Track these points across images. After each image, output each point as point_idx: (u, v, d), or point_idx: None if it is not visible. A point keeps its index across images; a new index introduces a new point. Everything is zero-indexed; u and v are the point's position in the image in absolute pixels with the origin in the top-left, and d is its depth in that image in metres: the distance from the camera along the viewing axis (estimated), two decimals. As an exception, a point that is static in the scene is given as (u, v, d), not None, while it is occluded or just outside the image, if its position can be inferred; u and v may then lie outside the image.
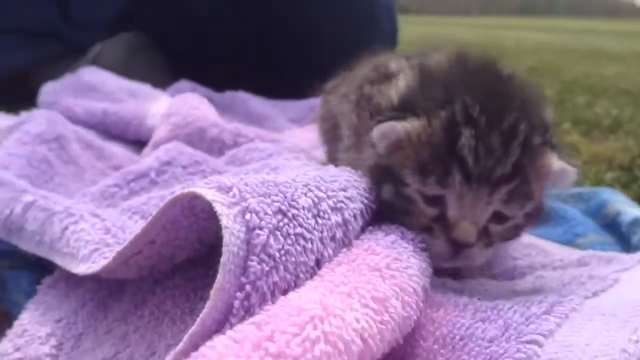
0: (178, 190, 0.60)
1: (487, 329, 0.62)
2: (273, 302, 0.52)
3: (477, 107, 0.69)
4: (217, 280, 0.50)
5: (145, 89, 1.55)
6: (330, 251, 0.62)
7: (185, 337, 0.49)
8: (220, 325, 0.50)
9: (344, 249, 0.64)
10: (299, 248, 0.57)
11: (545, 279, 0.80)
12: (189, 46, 1.87)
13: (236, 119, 1.58)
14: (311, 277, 0.58)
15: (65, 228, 0.77)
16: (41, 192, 0.86)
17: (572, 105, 3.06)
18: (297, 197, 0.61)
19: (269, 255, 0.54)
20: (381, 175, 0.76)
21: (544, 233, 1.06)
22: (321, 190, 0.65)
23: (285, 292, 0.54)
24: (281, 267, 0.54)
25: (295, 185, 0.63)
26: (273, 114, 1.70)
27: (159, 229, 0.64)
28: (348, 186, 0.70)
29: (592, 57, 6.65)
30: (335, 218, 0.64)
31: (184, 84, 1.69)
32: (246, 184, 0.58)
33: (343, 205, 0.66)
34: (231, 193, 0.56)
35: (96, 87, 1.48)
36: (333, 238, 0.63)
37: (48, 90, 1.44)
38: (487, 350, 0.58)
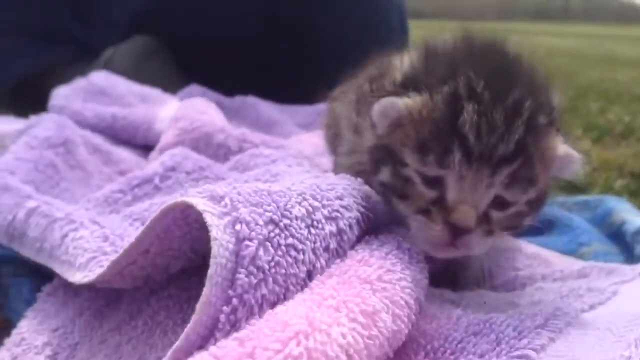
0: (173, 199, 0.59)
1: (478, 343, 0.61)
2: (261, 316, 0.52)
3: (481, 82, 0.66)
4: (203, 294, 0.50)
5: (155, 93, 1.56)
6: (323, 262, 0.61)
7: (169, 353, 0.49)
8: (205, 340, 0.50)
9: (338, 260, 0.64)
10: (289, 259, 0.57)
11: (543, 291, 0.79)
12: (201, 50, 1.87)
13: (245, 124, 1.58)
14: (302, 289, 0.57)
15: (65, 235, 0.77)
16: (45, 198, 0.86)
17: (586, 111, 3.04)
18: (290, 206, 0.60)
19: (258, 268, 0.53)
20: (380, 156, 0.73)
21: (548, 242, 1.05)
22: (316, 199, 0.64)
23: (274, 304, 0.54)
24: (270, 279, 0.54)
25: (290, 194, 0.62)
26: (282, 118, 1.70)
27: (152, 239, 0.63)
28: (345, 194, 0.69)
29: (607, 63, 6.60)
30: (330, 228, 0.63)
31: (194, 88, 1.70)
32: (239, 194, 0.58)
33: (338, 215, 0.65)
34: (223, 203, 0.56)
35: (106, 91, 1.49)
36: (327, 248, 0.62)
37: (58, 94, 1.44)
38: (478, 365, 0.58)
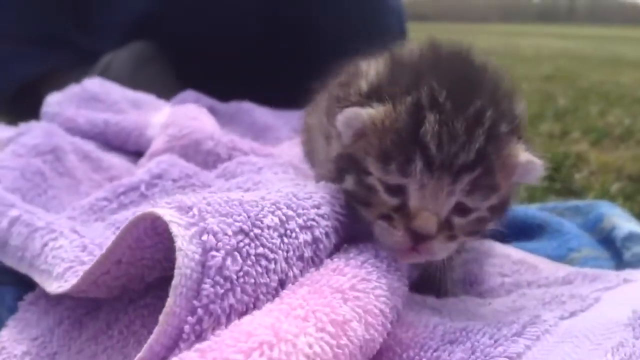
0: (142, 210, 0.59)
1: (454, 351, 0.61)
2: (228, 326, 0.52)
3: (443, 92, 0.67)
4: (167, 304, 0.50)
5: (149, 99, 1.56)
6: (297, 271, 0.61)
7: (132, 363, 0.49)
8: (169, 351, 0.49)
9: (313, 269, 0.63)
10: (259, 269, 0.56)
11: (526, 297, 0.79)
12: (201, 50, 1.87)
13: (240, 129, 1.58)
14: (273, 298, 0.57)
15: (45, 244, 0.77)
16: (27, 207, 0.86)
17: (585, 113, 3.03)
18: (262, 216, 0.60)
19: (225, 278, 0.53)
20: (345, 164, 0.74)
21: (538, 247, 1.05)
22: (291, 209, 0.64)
23: (243, 314, 0.54)
24: (239, 289, 0.54)
25: (263, 204, 0.62)
26: (277, 124, 1.70)
27: (124, 249, 0.63)
28: (323, 203, 0.69)
29: (611, 65, 6.59)
30: (304, 237, 0.63)
31: (189, 94, 1.69)
32: (208, 204, 0.58)
33: (314, 224, 0.65)
34: (190, 213, 0.55)
35: (100, 97, 1.49)
36: (301, 257, 0.62)
37: (51, 101, 1.44)
38: (452, 374, 0.58)
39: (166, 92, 1.66)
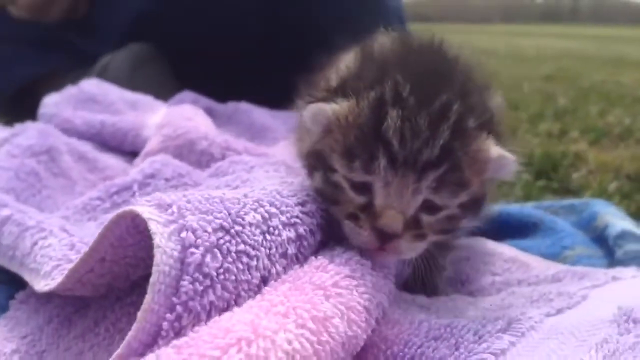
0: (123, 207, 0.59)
1: (438, 347, 0.61)
2: (208, 323, 0.52)
3: (407, 86, 0.66)
4: (145, 301, 0.50)
5: (145, 100, 1.56)
6: (280, 268, 0.61)
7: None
8: (148, 347, 0.49)
9: (297, 266, 0.63)
10: (241, 266, 0.56)
11: (515, 295, 0.78)
12: (200, 51, 1.87)
13: (238, 130, 1.58)
14: (255, 295, 0.57)
15: (35, 243, 0.77)
16: (19, 206, 0.86)
17: (585, 113, 3.02)
18: (243, 213, 0.60)
19: (205, 275, 0.53)
20: (313, 161, 0.73)
21: (531, 245, 1.05)
22: (274, 206, 0.64)
23: (224, 311, 0.54)
24: (219, 286, 0.54)
25: (245, 201, 0.62)
26: (275, 124, 1.69)
27: (107, 247, 0.63)
28: (308, 201, 0.69)
29: (614, 65, 6.57)
30: (288, 234, 0.63)
31: (186, 94, 1.69)
32: (188, 202, 0.58)
33: (297, 221, 0.65)
34: (170, 211, 0.56)
35: (97, 98, 1.49)
36: (284, 254, 0.62)
37: (49, 102, 1.45)
38: (436, 370, 0.58)
39: (164, 93, 1.66)
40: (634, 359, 0.55)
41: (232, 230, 0.58)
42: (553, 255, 1.00)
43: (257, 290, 0.58)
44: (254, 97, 1.78)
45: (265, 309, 0.53)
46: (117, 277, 0.69)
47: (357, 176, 0.66)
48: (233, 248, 0.57)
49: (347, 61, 0.77)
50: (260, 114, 1.73)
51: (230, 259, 0.56)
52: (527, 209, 1.19)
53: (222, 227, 0.57)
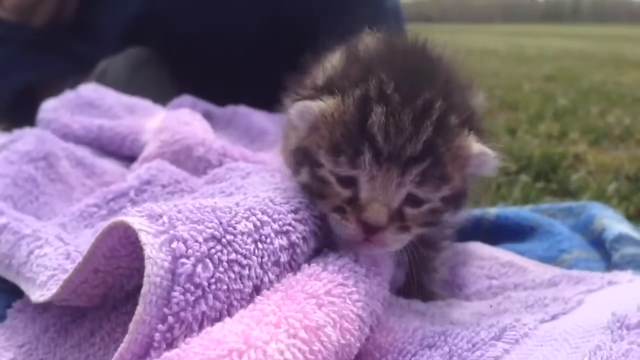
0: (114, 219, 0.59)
1: (432, 356, 0.61)
2: (200, 334, 0.52)
3: (392, 84, 0.68)
4: (136, 312, 0.50)
5: (144, 104, 1.56)
6: (273, 276, 0.61)
7: (102, 371, 0.49)
8: (140, 359, 0.50)
9: (290, 274, 0.63)
10: (232, 275, 0.56)
11: (510, 300, 0.79)
12: (200, 51, 1.87)
13: (237, 134, 1.58)
14: (248, 304, 0.57)
15: (31, 252, 0.77)
16: (15, 214, 0.86)
17: (585, 113, 3.02)
18: (235, 222, 0.60)
19: (196, 285, 0.53)
20: (300, 157, 0.75)
21: (529, 248, 1.05)
22: (266, 214, 0.64)
23: (216, 321, 0.54)
24: (210, 296, 0.54)
25: (236, 210, 0.62)
26: (274, 128, 1.69)
27: (99, 258, 0.63)
28: (300, 208, 0.69)
29: (614, 64, 6.56)
30: (280, 242, 0.63)
31: (185, 98, 1.69)
32: (179, 211, 0.58)
33: (290, 229, 0.66)
34: (160, 221, 0.56)
35: (95, 103, 1.49)
36: (277, 262, 0.62)
37: (47, 107, 1.45)
38: (429, 378, 0.58)
39: (163, 97, 1.65)
40: (626, 365, 0.55)
41: (224, 240, 0.58)
42: (550, 259, 1.00)
43: (250, 299, 0.58)
44: (253, 99, 1.77)
45: (256, 319, 0.53)
46: (112, 287, 0.70)
47: (343, 171, 0.69)
48: (224, 257, 0.57)
49: (333, 60, 0.79)
50: (259, 118, 1.72)
51: (221, 269, 0.56)
52: (525, 212, 1.19)
53: (213, 237, 0.57)
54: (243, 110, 1.73)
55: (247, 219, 0.62)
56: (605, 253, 1.01)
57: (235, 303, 0.56)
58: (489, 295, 0.86)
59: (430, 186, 0.68)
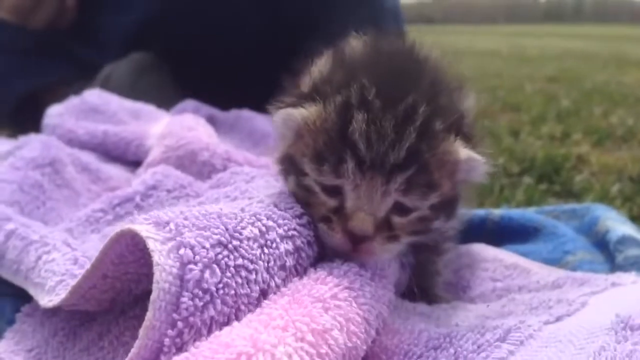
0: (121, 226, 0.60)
1: (437, 357, 0.62)
2: (208, 338, 0.53)
3: (373, 90, 0.66)
4: (146, 318, 0.51)
5: (148, 109, 1.57)
6: (279, 280, 0.62)
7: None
8: (151, 364, 0.50)
9: (296, 278, 0.64)
10: (240, 280, 0.57)
11: (515, 302, 0.79)
12: (200, 51, 1.88)
13: (240, 137, 1.58)
14: (255, 308, 0.58)
15: (39, 258, 0.78)
16: (23, 220, 0.87)
17: (588, 114, 3.02)
18: (241, 228, 0.61)
19: (204, 290, 0.54)
20: (286, 165, 0.74)
21: (533, 249, 1.05)
22: (271, 219, 0.65)
23: (224, 325, 0.55)
24: (219, 301, 0.55)
25: (242, 215, 0.63)
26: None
27: (108, 265, 0.64)
28: (305, 213, 0.70)
29: (616, 64, 6.55)
30: (285, 246, 0.64)
31: (188, 103, 1.70)
32: (185, 218, 0.59)
33: (295, 233, 0.66)
34: (167, 228, 0.56)
35: (99, 108, 1.50)
36: (283, 267, 0.63)
37: (52, 112, 1.46)
38: (435, 380, 0.59)
39: (166, 102, 1.66)
40: (630, 366, 0.56)
41: (230, 245, 0.58)
42: (554, 260, 1.00)
43: (257, 303, 0.59)
44: (253, 100, 1.77)
45: (264, 323, 0.54)
46: (120, 292, 0.70)
47: (327, 180, 0.68)
48: (231, 263, 0.57)
49: (319, 66, 0.77)
50: (262, 122, 1.73)
51: (229, 274, 0.56)
52: (529, 213, 1.19)
53: (220, 243, 0.58)
54: (246, 114, 1.74)
55: (252, 224, 0.63)
56: (609, 255, 1.01)
57: (242, 307, 0.57)
58: (493, 298, 0.86)
59: (417, 194, 0.67)
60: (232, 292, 0.56)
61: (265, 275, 0.60)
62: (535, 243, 1.09)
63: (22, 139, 1.19)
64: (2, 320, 0.83)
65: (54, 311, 0.78)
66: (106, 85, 1.74)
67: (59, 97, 1.55)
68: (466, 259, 0.97)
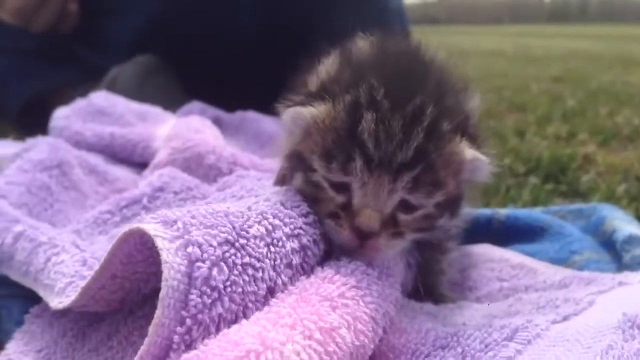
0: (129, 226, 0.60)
1: (445, 356, 0.62)
2: (217, 336, 0.53)
3: (382, 90, 0.68)
4: (155, 316, 0.51)
5: (154, 111, 1.57)
6: (286, 278, 0.62)
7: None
8: (160, 360, 0.51)
9: (303, 277, 0.65)
10: (247, 278, 0.58)
11: (522, 302, 0.79)
12: (203, 66, 1.88)
13: (246, 139, 1.59)
14: (263, 306, 0.59)
15: (48, 259, 0.79)
16: (31, 222, 0.88)
17: (594, 114, 3.01)
18: (248, 226, 0.62)
19: (212, 288, 0.54)
20: (294, 162, 0.76)
21: (539, 249, 1.05)
22: (277, 218, 0.66)
23: (232, 323, 0.55)
24: (226, 298, 0.55)
25: (249, 214, 0.64)
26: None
27: (117, 265, 0.65)
28: (311, 212, 0.71)
29: (622, 64, 6.52)
30: (292, 245, 0.65)
31: (194, 105, 1.70)
32: (193, 217, 0.59)
33: (301, 232, 0.67)
34: (175, 227, 0.57)
35: (106, 110, 1.50)
36: (289, 265, 0.64)
37: (59, 115, 1.46)
38: (443, 379, 0.59)
39: (172, 104, 1.67)
40: (638, 365, 0.56)
41: (237, 244, 0.59)
42: (561, 260, 1.00)
43: (264, 301, 0.59)
44: (253, 100, 1.78)
45: (272, 321, 0.54)
46: (129, 292, 0.71)
47: (336, 177, 0.69)
48: (239, 261, 0.58)
49: (327, 65, 0.79)
50: (268, 123, 1.73)
51: (236, 272, 0.57)
52: (535, 213, 1.19)
53: (227, 241, 0.58)
54: (252, 115, 1.74)
55: (259, 223, 0.63)
56: (616, 254, 1.01)
57: (250, 305, 0.57)
58: (500, 298, 0.86)
59: (422, 192, 0.68)
60: (240, 289, 0.57)
61: (272, 273, 0.61)
62: (542, 243, 1.09)
63: (30, 142, 1.19)
64: (10, 322, 0.84)
65: (63, 312, 0.79)
66: (112, 88, 1.74)
67: (65, 100, 1.55)
68: (472, 259, 0.97)
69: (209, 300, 0.54)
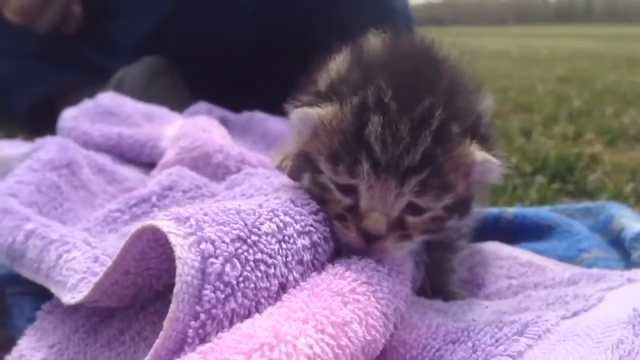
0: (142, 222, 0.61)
1: (455, 351, 0.62)
2: (231, 330, 0.54)
3: (389, 92, 0.67)
4: (170, 310, 0.52)
5: (161, 112, 1.58)
6: (297, 275, 0.63)
7: (139, 367, 0.51)
8: (175, 354, 0.51)
9: (314, 273, 0.65)
10: (259, 274, 0.58)
11: (531, 298, 0.79)
12: (203, 66, 1.89)
13: (253, 139, 1.59)
14: (275, 301, 0.59)
15: (60, 256, 0.79)
16: (42, 220, 0.88)
17: (600, 114, 3.01)
18: (259, 223, 0.62)
19: (226, 283, 0.55)
20: (302, 163, 0.75)
21: (548, 247, 1.05)
22: (288, 215, 0.66)
23: (245, 318, 0.56)
24: (239, 294, 0.56)
25: (260, 211, 0.64)
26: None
27: (130, 261, 0.65)
28: (320, 209, 0.71)
29: (627, 64, 6.51)
30: (302, 242, 0.65)
31: (201, 105, 1.71)
32: (205, 214, 0.60)
33: (312, 229, 0.67)
34: (188, 223, 0.57)
35: (113, 111, 1.51)
36: (300, 261, 0.64)
37: (67, 115, 1.47)
38: (454, 373, 0.59)
39: (179, 104, 1.68)
40: (649, 359, 0.56)
41: (249, 240, 0.59)
42: (569, 258, 1.01)
43: (276, 297, 0.60)
44: (255, 101, 1.78)
45: (285, 315, 0.55)
46: (142, 288, 0.71)
47: (342, 179, 0.69)
48: (251, 257, 0.58)
49: (337, 62, 0.78)
50: (275, 123, 1.74)
51: (248, 268, 0.57)
52: (543, 212, 1.19)
53: (239, 238, 0.59)
54: (259, 115, 1.75)
55: (270, 220, 0.64)
56: (625, 252, 1.01)
57: (262, 301, 0.58)
58: (509, 295, 0.86)
59: (430, 195, 0.68)
60: (252, 285, 0.57)
61: (283, 269, 0.61)
62: (550, 241, 1.10)
63: (39, 141, 1.20)
64: (22, 318, 0.84)
65: (74, 308, 0.79)
66: (120, 89, 1.75)
67: (72, 101, 1.56)
68: (481, 256, 0.97)
69: (222, 296, 0.54)
